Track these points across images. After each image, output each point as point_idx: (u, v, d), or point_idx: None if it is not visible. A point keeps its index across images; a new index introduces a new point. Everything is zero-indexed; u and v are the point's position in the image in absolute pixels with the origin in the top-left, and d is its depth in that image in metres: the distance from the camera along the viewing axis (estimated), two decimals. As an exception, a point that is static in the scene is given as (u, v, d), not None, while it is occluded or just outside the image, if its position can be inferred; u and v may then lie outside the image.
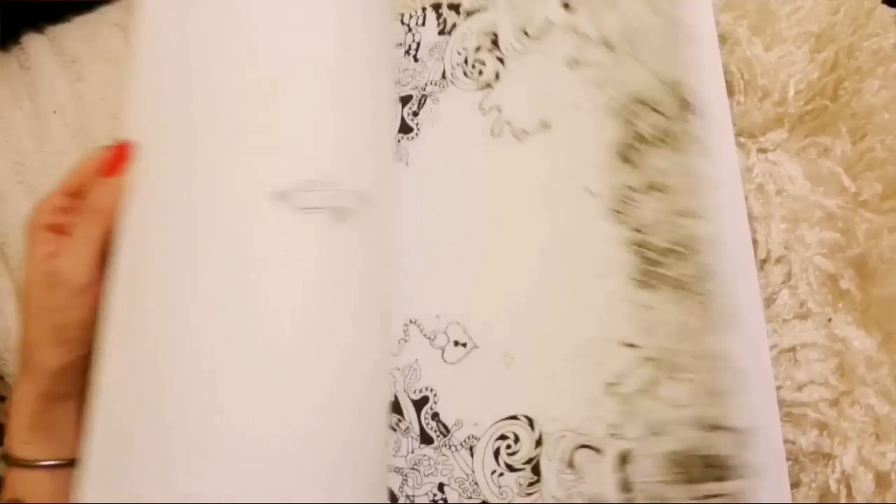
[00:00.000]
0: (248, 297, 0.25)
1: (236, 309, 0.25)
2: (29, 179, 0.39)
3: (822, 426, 0.29)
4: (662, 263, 0.29)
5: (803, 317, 0.31)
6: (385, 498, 0.30)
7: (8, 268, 0.38)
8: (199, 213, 0.26)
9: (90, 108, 0.39)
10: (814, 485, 0.29)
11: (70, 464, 0.27)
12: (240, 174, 0.27)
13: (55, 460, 0.27)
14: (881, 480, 0.28)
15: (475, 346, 0.31)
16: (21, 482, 0.27)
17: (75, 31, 0.41)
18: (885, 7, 0.32)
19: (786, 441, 0.29)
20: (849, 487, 0.28)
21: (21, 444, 0.28)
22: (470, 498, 0.30)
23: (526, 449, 0.30)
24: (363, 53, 0.31)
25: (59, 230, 0.28)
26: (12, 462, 0.28)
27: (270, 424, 0.25)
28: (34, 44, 0.40)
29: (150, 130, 0.28)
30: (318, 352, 0.26)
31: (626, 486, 0.28)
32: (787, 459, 0.29)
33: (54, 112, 0.39)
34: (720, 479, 0.27)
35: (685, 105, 0.30)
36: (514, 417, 0.30)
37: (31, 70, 0.40)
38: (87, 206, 0.27)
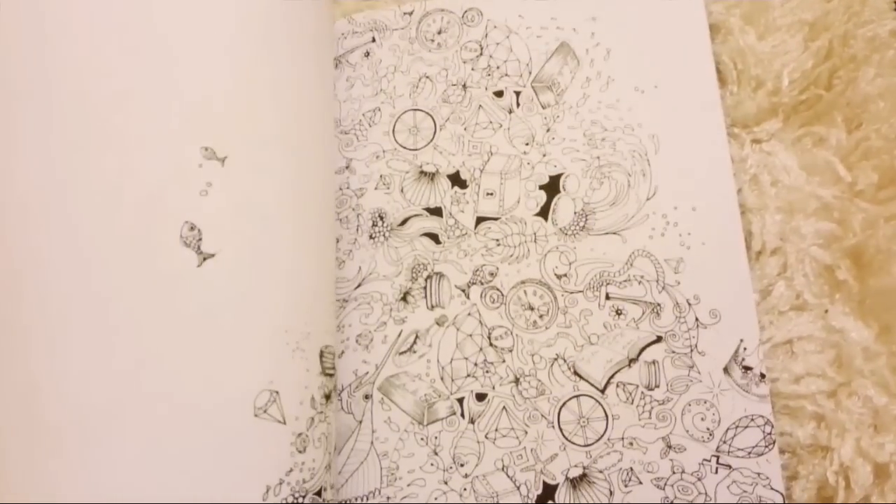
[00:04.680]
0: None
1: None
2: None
3: (819, 418, 0.29)
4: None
5: (799, 308, 0.30)
6: None
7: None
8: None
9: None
10: (811, 477, 0.28)
11: None
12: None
13: None
14: (880, 472, 0.28)
15: None
16: None
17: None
18: (879, -6, 0.32)
19: (783, 433, 0.29)
20: (847, 479, 0.28)
21: None
22: None
23: None
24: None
25: None
26: None
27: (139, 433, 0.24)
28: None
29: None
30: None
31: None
32: (785, 452, 0.29)
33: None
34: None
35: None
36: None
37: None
38: None
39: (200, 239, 0.26)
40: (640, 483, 0.29)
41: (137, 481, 0.24)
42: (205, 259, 0.26)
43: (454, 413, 0.31)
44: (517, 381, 0.31)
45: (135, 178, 0.26)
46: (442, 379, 0.31)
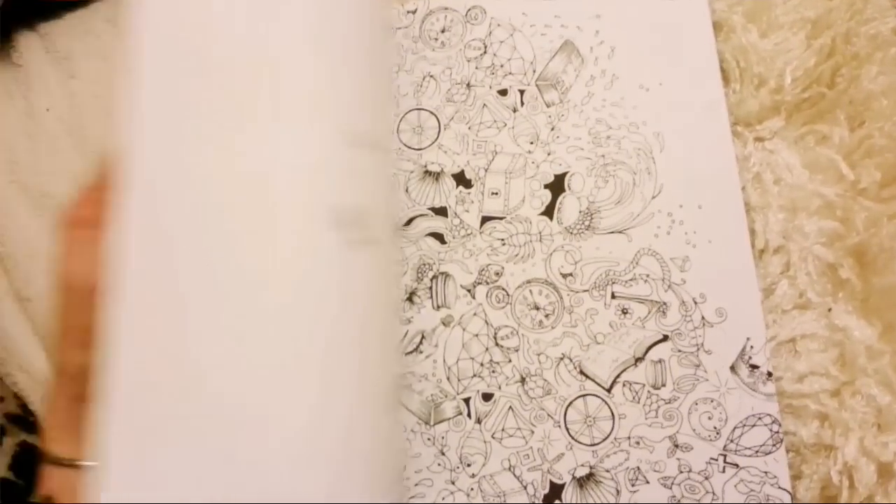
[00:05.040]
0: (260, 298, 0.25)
1: (249, 307, 0.25)
2: (22, 178, 0.38)
3: (823, 417, 0.29)
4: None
5: (803, 307, 0.30)
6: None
7: (4, 267, 0.38)
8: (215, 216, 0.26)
9: (83, 105, 0.39)
10: (815, 476, 0.29)
11: None
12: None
13: (87, 461, 0.27)
14: (883, 471, 0.28)
15: None
16: (54, 480, 0.27)
17: (67, 28, 0.41)
18: (882, -8, 0.32)
19: (787, 433, 0.29)
20: (851, 479, 0.28)
21: (54, 442, 0.27)
22: None
23: None
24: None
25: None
26: (46, 459, 0.28)
27: (294, 422, 0.24)
28: (26, 41, 0.40)
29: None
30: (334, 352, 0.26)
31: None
32: (789, 451, 0.29)
33: (47, 110, 0.39)
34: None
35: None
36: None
37: (23, 67, 0.40)
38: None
39: (347, 225, 0.26)
40: (647, 482, 0.29)
41: (282, 478, 0.24)
42: (350, 247, 0.26)
43: (460, 413, 0.31)
44: (523, 380, 0.31)
45: (281, 163, 0.26)
46: (448, 379, 0.31)
